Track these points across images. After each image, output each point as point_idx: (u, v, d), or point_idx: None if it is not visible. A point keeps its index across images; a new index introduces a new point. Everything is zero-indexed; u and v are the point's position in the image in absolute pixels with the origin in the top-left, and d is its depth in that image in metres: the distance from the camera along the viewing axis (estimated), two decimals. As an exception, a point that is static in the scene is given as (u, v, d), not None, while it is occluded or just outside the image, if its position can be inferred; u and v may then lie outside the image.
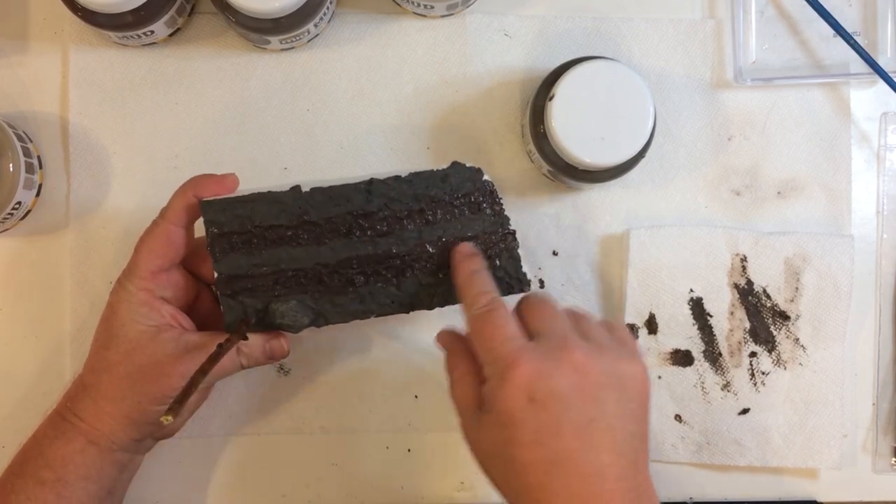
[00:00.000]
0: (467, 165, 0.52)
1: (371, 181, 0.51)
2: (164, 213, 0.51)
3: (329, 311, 0.51)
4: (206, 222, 0.50)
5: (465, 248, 0.51)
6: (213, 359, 0.47)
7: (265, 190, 0.50)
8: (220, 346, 0.48)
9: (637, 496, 0.43)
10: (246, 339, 0.50)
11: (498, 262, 0.52)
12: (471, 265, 0.50)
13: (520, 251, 0.53)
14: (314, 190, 0.50)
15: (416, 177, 0.51)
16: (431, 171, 0.51)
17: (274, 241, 0.50)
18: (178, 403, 0.46)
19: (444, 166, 0.52)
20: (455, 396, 0.47)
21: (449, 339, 0.50)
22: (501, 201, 0.52)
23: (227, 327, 0.51)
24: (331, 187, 0.50)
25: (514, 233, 0.52)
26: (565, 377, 0.43)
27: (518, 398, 0.43)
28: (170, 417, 0.45)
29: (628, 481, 0.43)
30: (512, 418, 0.43)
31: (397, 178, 0.51)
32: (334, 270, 0.51)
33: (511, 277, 0.52)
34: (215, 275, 0.50)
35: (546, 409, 0.42)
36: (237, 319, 0.50)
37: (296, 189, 0.50)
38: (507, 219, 0.52)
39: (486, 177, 0.52)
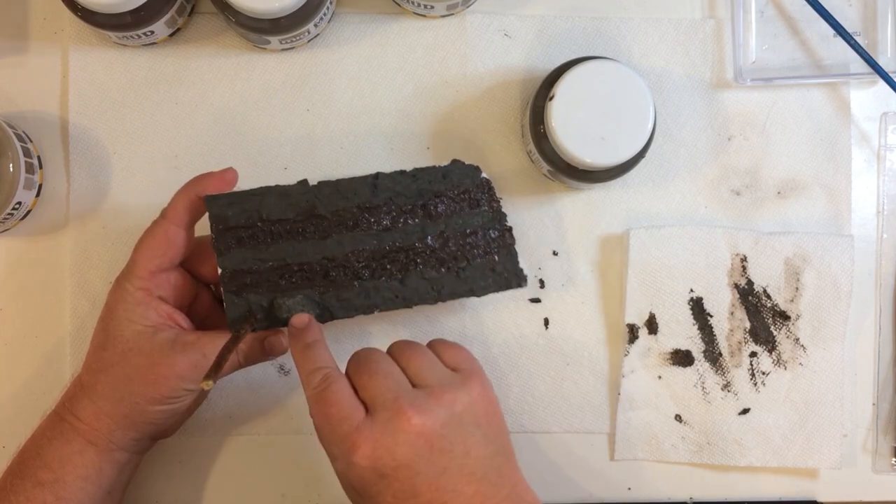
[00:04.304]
0: (466, 163, 0.53)
1: (377, 175, 0.52)
2: (165, 212, 0.51)
3: (335, 305, 0.51)
4: (211, 217, 0.50)
5: (301, 319, 0.49)
6: (235, 341, 0.48)
7: (272, 185, 0.51)
8: (237, 330, 0.49)
9: (512, 501, 0.46)
10: (254, 330, 0.50)
11: (496, 257, 0.53)
12: (304, 338, 0.49)
13: (517, 247, 0.54)
14: (322, 183, 0.51)
15: (419, 171, 0.52)
16: (433, 167, 0.53)
17: (281, 234, 0.51)
18: (215, 372, 0.46)
19: (446, 164, 0.53)
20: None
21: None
22: (500, 198, 0.54)
23: (231, 324, 0.51)
24: (338, 181, 0.51)
25: (510, 229, 0.53)
26: (407, 445, 0.44)
27: (367, 477, 0.44)
28: (211, 382, 0.45)
29: (497, 497, 0.45)
30: (368, 491, 0.44)
31: (402, 172, 0.52)
32: (340, 265, 0.51)
33: (509, 273, 0.53)
34: (219, 271, 0.50)
35: (397, 479, 0.44)
36: (240, 317, 0.50)
37: (303, 183, 0.51)
38: (504, 215, 0.53)
39: (483, 174, 0.53)
